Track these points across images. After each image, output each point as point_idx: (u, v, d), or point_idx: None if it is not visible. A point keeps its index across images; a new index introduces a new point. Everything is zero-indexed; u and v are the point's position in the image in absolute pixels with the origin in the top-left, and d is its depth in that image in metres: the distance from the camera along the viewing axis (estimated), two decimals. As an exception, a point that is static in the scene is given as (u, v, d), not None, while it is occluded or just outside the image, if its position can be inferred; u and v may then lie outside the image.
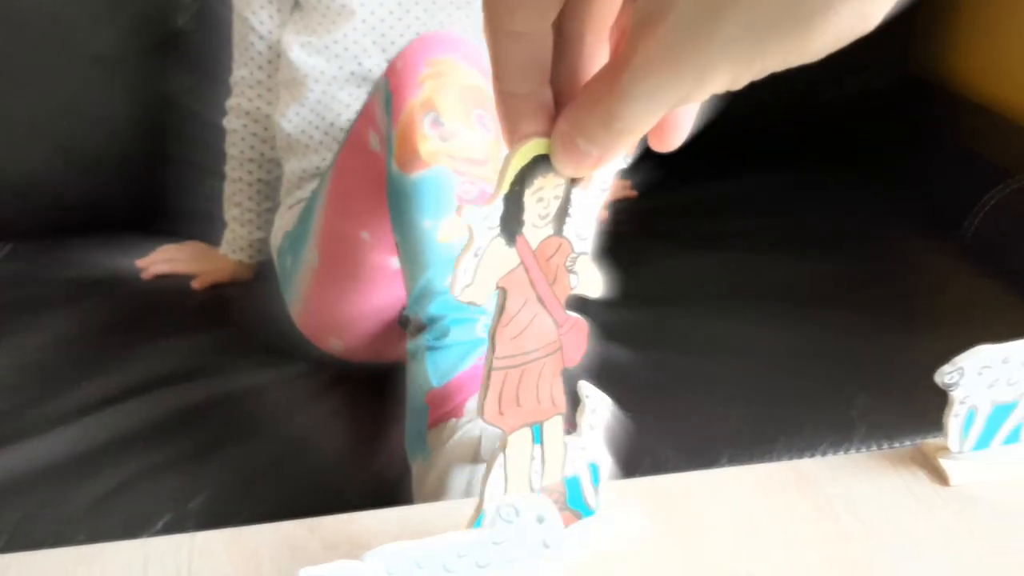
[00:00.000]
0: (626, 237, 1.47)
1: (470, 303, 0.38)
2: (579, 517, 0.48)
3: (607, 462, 0.47)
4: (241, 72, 1.33)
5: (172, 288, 1.36)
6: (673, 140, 0.33)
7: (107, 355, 1.17)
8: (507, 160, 0.35)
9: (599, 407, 0.46)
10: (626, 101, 0.28)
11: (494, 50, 0.31)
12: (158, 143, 1.47)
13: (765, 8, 0.25)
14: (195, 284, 1.37)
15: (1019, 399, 0.52)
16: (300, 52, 1.21)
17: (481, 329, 0.80)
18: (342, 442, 1.01)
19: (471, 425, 0.78)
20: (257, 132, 1.35)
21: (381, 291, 1.04)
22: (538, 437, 0.44)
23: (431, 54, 0.91)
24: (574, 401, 0.45)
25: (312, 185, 1.19)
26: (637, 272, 1.31)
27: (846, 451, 0.95)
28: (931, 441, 0.54)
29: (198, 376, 1.14)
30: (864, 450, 0.94)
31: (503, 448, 0.43)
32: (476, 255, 0.37)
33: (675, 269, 1.28)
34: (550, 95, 0.33)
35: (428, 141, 0.86)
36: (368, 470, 0.95)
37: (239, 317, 1.26)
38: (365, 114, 0.99)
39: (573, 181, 0.37)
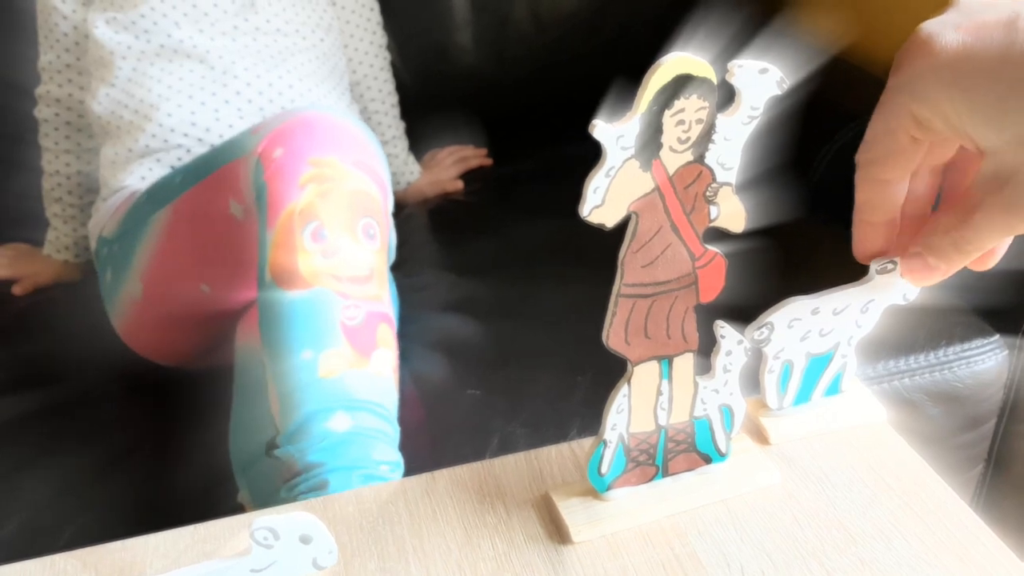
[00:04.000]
0: (479, 206, 1.44)
1: (600, 225, 0.38)
2: (708, 461, 0.48)
3: (742, 406, 0.47)
4: (48, 57, 1.25)
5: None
6: (992, 262, 0.44)
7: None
8: (646, 77, 0.35)
9: (735, 349, 0.46)
10: (978, 232, 0.40)
11: (864, 192, 0.44)
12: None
13: None
14: (15, 290, 1.29)
15: (834, 350, 0.50)
16: (106, 29, 1.14)
17: (359, 480, 0.73)
18: (165, 453, 0.95)
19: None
20: (71, 120, 1.27)
21: (218, 325, 0.96)
22: (666, 373, 0.44)
23: (314, 152, 0.82)
24: (710, 340, 0.45)
25: (127, 175, 1.11)
26: (487, 241, 1.28)
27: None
28: (751, 399, 0.51)
29: (19, 389, 1.07)
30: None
31: (628, 379, 0.43)
32: (608, 175, 0.37)
33: (527, 237, 1.25)
34: (898, 220, 0.45)
35: (308, 257, 0.79)
36: (191, 480, 0.89)
37: (62, 323, 1.17)
38: (223, 176, 0.90)
39: (718, 107, 0.37)
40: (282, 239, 0.79)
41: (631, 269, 0.41)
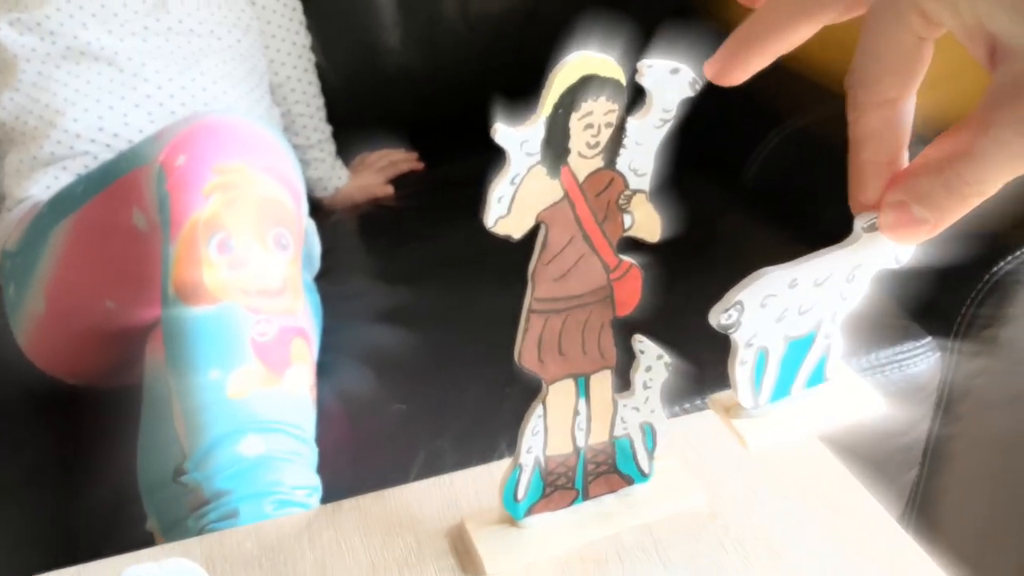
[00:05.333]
0: (410, 211, 1.41)
1: (506, 236, 0.36)
2: (630, 483, 0.45)
3: (663, 424, 0.44)
4: (-52, 62, 1.18)
5: None
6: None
7: None
8: (550, 78, 0.33)
9: (655, 364, 0.43)
10: (984, 164, 0.30)
11: (861, 123, 0.34)
12: None
13: None
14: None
15: (816, 329, 0.42)
16: (9, 31, 1.09)
17: (272, 508, 0.69)
18: (72, 476, 0.91)
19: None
20: (-27, 127, 1.20)
21: (127, 342, 0.92)
22: (583, 391, 0.42)
23: (220, 158, 0.78)
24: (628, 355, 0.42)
25: (32, 184, 1.06)
26: (419, 248, 1.25)
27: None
28: (720, 396, 0.44)
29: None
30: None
31: (543, 400, 0.41)
32: (513, 183, 0.35)
33: (460, 243, 1.22)
34: (905, 157, 0.35)
35: (214, 269, 0.74)
36: (100, 504, 0.85)
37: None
38: (125, 185, 0.86)
39: (628, 109, 0.35)
40: (185, 252, 0.75)
41: (542, 283, 0.39)
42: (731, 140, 1.27)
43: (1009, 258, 0.92)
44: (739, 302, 0.39)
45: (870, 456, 0.99)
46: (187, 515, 0.69)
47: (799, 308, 0.41)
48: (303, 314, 0.80)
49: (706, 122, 1.42)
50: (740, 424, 0.43)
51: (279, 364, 0.74)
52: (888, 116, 0.34)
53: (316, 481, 0.73)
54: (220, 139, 0.80)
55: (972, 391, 0.98)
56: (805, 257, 0.39)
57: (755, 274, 0.39)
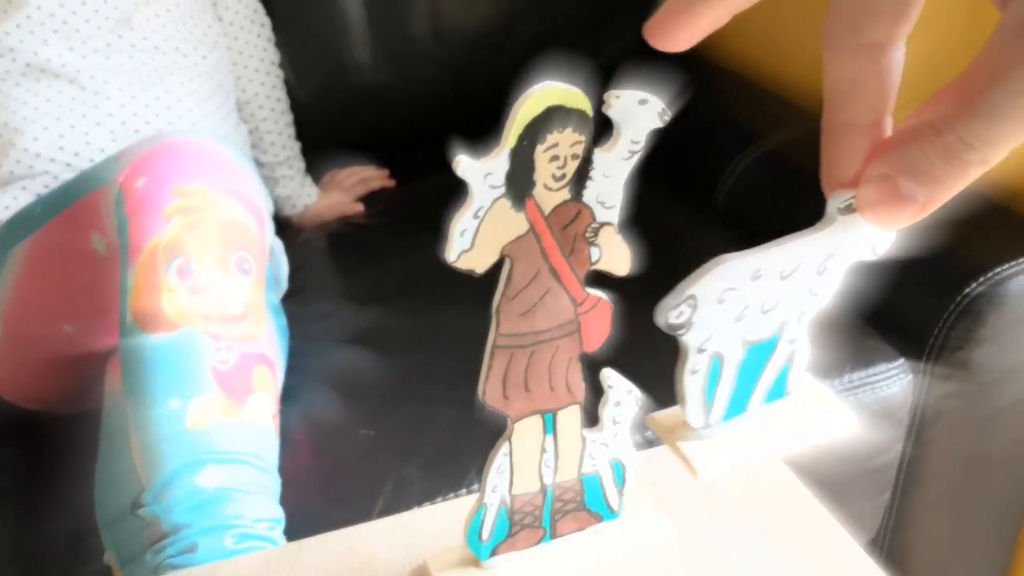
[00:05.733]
0: (381, 230, 1.39)
1: (469, 271, 0.34)
2: (599, 520, 0.44)
3: (634, 460, 0.42)
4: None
5: None
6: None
7: None
8: (514, 109, 0.32)
9: (625, 399, 0.41)
10: (993, 121, 0.24)
11: (834, 71, 0.28)
12: None
13: None
14: None
15: (780, 332, 0.36)
16: (-33, 48, 1.06)
17: (233, 542, 0.67)
18: (30, 505, 0.89)
19: None
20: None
21: (87, 368, 0.90)
22: (550, 428, 0.41)
23: (180, 180, 0.77)
24: (596, 391, 0.40)
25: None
26: (390, 267, 1.23)
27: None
28: (663, 415, 0.39)
29: None
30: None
31: (509, 437, 0.40)
32: (476, 216, 0.34)
33: (432, 263, 1.20)
34: (890, 120, 0.29)
35: (174, 295, 0.73)
36: (58, 535, 0.83)
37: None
38: (84, 208, 0.85)
39: (595, 140, 0.34)
40: (144, 278, 0.73)
41: (507, 318, 0.38)
42: (702, 160, 1.27)
43: (981, 279, 0.92)
44: (692, 296, 0.33)
45: (842, 479, 0.99)
46: (145, 549, 0.68)
47: (762, 305, 0.35)
48: (266, 339, 0.78)
49: (677, 142, 1.43)
50: (689, 448, 0.37)
51: (240, 392, 0.72)
52: (872, 64, 0.28)
53: (279, 513, 0.71)
54: (181, 160, 0.78)
55: (944, 413, 0.98)
56: (771, 243, 0.33)
57: (713, 261, 0.33)
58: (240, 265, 0.77)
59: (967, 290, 0.93)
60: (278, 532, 0.70)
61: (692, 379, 0.35)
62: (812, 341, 0.37)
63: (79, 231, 0.84)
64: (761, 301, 0.35)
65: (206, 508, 0.67)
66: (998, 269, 0.93)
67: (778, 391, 0.38)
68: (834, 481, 0.98)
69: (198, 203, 0.76)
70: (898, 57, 0.28)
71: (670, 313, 0.33)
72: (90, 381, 0.89)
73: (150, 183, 0.76)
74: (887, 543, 1.06)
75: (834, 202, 0.31)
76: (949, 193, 0.27)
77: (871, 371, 0.96)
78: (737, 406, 0.37)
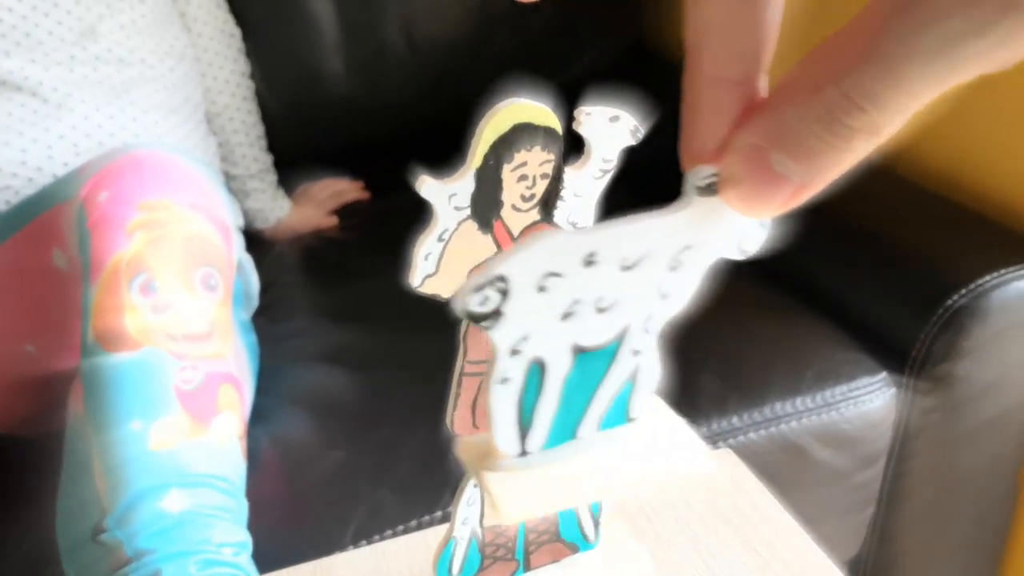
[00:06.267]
0: (356, 244, 1.37)
1: (434, 296, 0.33)
2: (574, 550, 0.42)
3: None
4: None
5: None
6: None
7: None
8: (480, 128, 0.31)
9: None
10: (888, 71, 0.19)
11: (697, 10, 0.22)
12: None
13: None
14: None
15: (621, 339, 0.29)
16: (-74, 60, 1.04)
17: (197, 568, 0.65)
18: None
19: None
20: None
21: (50, 389, 0.88)
22: None
23: (145, 192, 0.75)
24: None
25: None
26: (365, 282, 1.21)
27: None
28: (475, 439, 0.33)
29: None
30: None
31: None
32: (441, 239, 0.32)
33: (405, 277, 1.19)
34: (764, 79, 0.23)
35: (137, 313, 0.71)
36: (18, 561, 0.81)
37: None
38: (46, 223, 0.83)
39: (565, 159, 0.32)
40: (106, 296, 0.71)
41: (475, 344, 0.36)
42: (675, 175, 1.26)
43: (963, 291, 0.92)
44: (501, 278, 0.26)
45: (827, 494, 0.98)
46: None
47: (597, 302, 0.28)
48: (233, 358, 0.76)
49: (648, 157, 1.42)
50: (496, 482, 0.30)
51: (205, 413, 0.71)
52: (743, 4, 0.22)
53: (245, 537, 0.69)
54: (145, 174, 0.77)
55: (928, 427, 0.97)
56: (612, 221, 0.26)
57: (531, 238, 0.25)
58: (205, 282, 0.76)
59: (949, 302, 0.92)
60: (245, 558, 0.68)
61: (502, 390, 0.28)
62: (662, 356, 0.30)
63: (40, 248, 0.82)
64: (596, 296, 0.27)
65: (170, 533, 0.65)
66: (980, 281, 0.92)
67: (617, 416, 0.31)
68: (818, 497, 0.97)
69: (162, 217, 0.74)
70: (776, 6, 0.23)
71: (471, 298, 0.26)
72: (52, 404, 0.86)
73: (112, 197, 0.74)
74: (871, 559, 1.05)
75: (692, 178, 0.25)
76: (830, 172, 0.21)
77: (853, 385, 0.95)
78: (563, 431, 0.30)
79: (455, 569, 0.41)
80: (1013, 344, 0.95)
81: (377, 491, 0.81)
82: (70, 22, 1.06)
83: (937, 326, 0.92)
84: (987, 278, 0.92)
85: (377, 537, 0.78)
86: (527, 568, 0.42)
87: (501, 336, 0.27)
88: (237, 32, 1.34)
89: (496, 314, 0.26)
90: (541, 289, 0.26)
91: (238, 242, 0.86)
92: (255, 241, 1.30)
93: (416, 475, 0.83)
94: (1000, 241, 0.98)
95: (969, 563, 1.11)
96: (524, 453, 0.30)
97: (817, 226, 1.12)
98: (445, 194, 0.32)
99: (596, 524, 0.43)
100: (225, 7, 1.33)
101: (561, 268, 0.26)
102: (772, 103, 0.21)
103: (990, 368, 0.95)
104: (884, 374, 0.96)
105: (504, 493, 0.29)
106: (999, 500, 1.07)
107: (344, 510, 0.80)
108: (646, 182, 1.22)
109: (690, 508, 0.47)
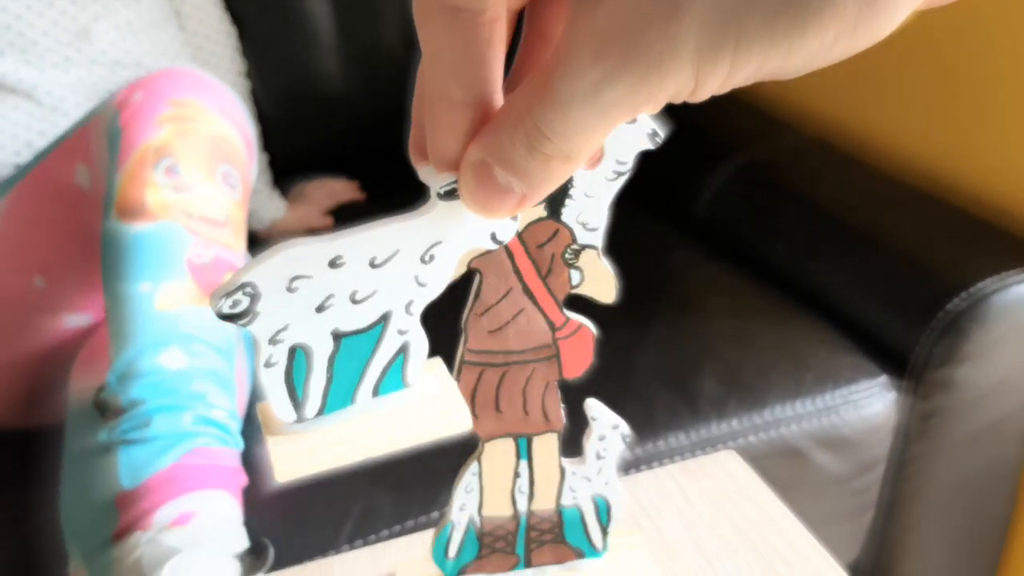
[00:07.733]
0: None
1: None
2: (579, 555, 0.43)
3: (620, 498, 0.42)
4: None
5: None
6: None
7: None
8: None
9: (610, 434, 0.40)
10: (559, 109, 0.22)
11: (424, 36, 0.24)
12: None
13: None
14: None
15: (385, 321, 0.33)
16: (-82, 61, 1.05)
17: (190, 421, 0.68)
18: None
19: (153, 546, 0.66)
20: None
21: (44, 350, 0.89)
22: (524, 453, 0.40)
23: (176, 92, 0.81)
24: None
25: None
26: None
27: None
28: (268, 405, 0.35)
29: None
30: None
31: (478, 456, 0.39)
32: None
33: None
34: (495, 108, 0.25)
35: (159, 190, 0.76)
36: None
37: None
38: (73, 143, 0.87)
39: None
40: (132, 175, 0.76)
41: (476, 333, 0.37)
42: (681, 174, 1.27)
43: (963, 295, 0.93)
44: (249, 284, 0.30)
45: (826, 498, 0.99)
46: (109, 541, 0.67)
47: (351, 295, 0.32)
48: (243, 256, 0.81)
49: (654, 155, 1.42)
50: (277, 445, 0.33)
51: (213, 287, 0.74)
52: (466, 33, 0.24)
53: (235, 407, 0.74)
54: (177, 80, 0.83)
55: (927, 431, 0.98)
56: (352, 229, 0.30)
57: (273, 248, 0.29)
58: (226, 179, 0.81)
59: (949, 306, 0.93)
60: (236, 427, 0.72)
61: (269, 372, 0.32)
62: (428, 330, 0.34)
63: (65, 166, 0.86)
64: (350, 290, 0.31)
65: (166, 386, 0.69)
66: (980, 285, 0.93)
67: (394, 383, 0.35)
68: (817, 501, 0.98)
69: (191, 114, 0.80)
70: (499, 29, 0.24)
71: (222, 302, 0.29)
72: (49, 382, 0.87)
73: (146, 96, 0.80)
74: (871, 564, 1.06)
75: (436, 186, 0.28)
76: (545, 187, 0.24)
77: (852, 389, 0.96)
78: (340, 398, 0.34)
79: (451, 553, 0.41)
80: (1013, 348, 0.96)
81: (373, 492, 0.82)
82: (65, 22, 1.07)
83: (937, 330, 0.93)
84: (987, 282, 0.93)
85: (373, 537, 0.79)
86: (528, 564, 0.43)
87: (258, 329, 0.31)
88: (233, 31, 1.35)
89: (249, 312, 0.30)
90: (291, 290, 0.30)
91: (256, 156, 0.91)
92: (250, 241, 1.30)
93: (412, 475, 0.83)
94: (1000, 245, 0.99)
95: (969, 568, 1.11)
96: (301, 420, 0.33)
97: (817, 230, 1.14)
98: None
99: (604, 532, 0.44)
100: (221, 6, 1.34)
101: (307, 271, 0.30)
102: (495, 123, 0.24)
103: (990, 372, 0.96)
104: (884, 378, 0.97)
105: (279, 453, 0.33)
106: (999, 505, 1.08)
107: (340, 511, 0.81)
108: (651, 178, 1.23)
109: (694, 509, 0.48)
